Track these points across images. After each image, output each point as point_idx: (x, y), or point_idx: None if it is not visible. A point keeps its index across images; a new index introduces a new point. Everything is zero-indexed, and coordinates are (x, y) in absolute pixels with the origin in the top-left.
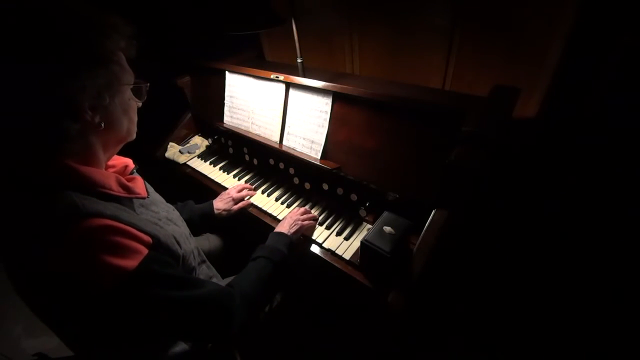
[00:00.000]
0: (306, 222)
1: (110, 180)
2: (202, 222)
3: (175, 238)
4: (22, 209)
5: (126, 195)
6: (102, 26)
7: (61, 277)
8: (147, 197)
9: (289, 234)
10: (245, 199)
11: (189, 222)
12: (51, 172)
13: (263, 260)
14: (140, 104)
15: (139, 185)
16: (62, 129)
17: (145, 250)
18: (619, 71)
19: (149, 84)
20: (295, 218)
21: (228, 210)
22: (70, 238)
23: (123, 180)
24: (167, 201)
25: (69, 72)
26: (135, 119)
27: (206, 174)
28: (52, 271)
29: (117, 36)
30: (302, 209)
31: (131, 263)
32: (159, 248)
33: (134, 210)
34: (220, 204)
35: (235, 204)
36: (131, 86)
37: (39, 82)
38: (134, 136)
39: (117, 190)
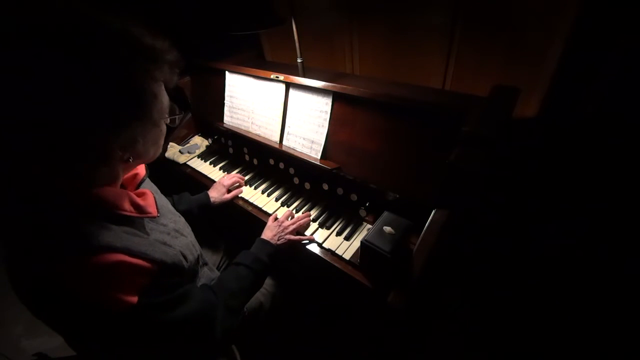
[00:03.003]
0: (295, 238)
1: (122, 200)
2: (200, 212)
3: (182, 254)
4: (32, 229)
5: (137, 215)
6: (148, 68)
7: (66, 296)
8: (158, 216)
9: (275, 243)
10: (237, 186)
11: (188, 213)
12: (65, 192)
13: (244, 269)
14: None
15: (150, 202)
16: (89, 167)
17: (149, 281)
18: (619, 71)
19: (183, 113)
20: (283, 227)
21: (221, 199)
22: (80, 271)
23: (135, 198)
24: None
25: (113, 126)
26: (162, 142)
27: (206, 174)
28: (57, 291)
29: (163, 68)
30: (287, 214)
31: (134, 298)
32: (164, 273)
33: (145, 231)
34: (214, 193)
35: (228, 192)
36: (167, 120)
37: (80, 131)
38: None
39: (130, 211)
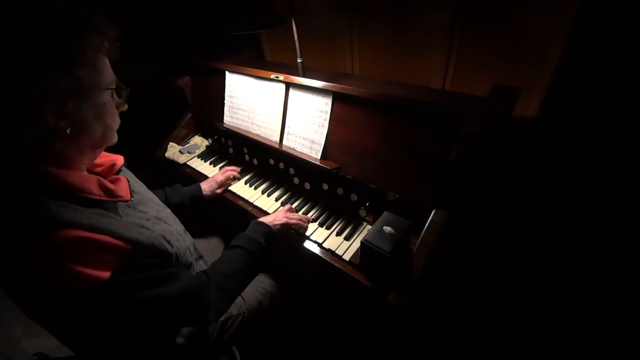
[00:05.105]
0: (294, 221)
1: (90, 184)
2: (192, 204)
3: (164, 237)
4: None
5: (107, 199)
6: (74, 27)
7: (40, 281)
8: (132, 199)
9: (270, 224)
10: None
11: (181, 205)
12: (29, 177)
13: (239, 251)
14: (124, 108)
15: (123, 187)
16: (20, 135)
17: (119, 260)
18: (619, 71)
19: (129, 89)
20: (283, 214)
21: (213, 192)
22: (44, 248)
23: (105, 183)
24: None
25: (26, 74)
26: (114, 124)
27: (206, 174)
28: (31, 276)
29: (92, 37)
30: (288, 206)
31: (104, 274)
32: (140, 252)
33: (118, 213)
34: (205, 186)
35: (220, 187)
36: (107, 90)
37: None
38: (114, 141)
39: (98, 194)
